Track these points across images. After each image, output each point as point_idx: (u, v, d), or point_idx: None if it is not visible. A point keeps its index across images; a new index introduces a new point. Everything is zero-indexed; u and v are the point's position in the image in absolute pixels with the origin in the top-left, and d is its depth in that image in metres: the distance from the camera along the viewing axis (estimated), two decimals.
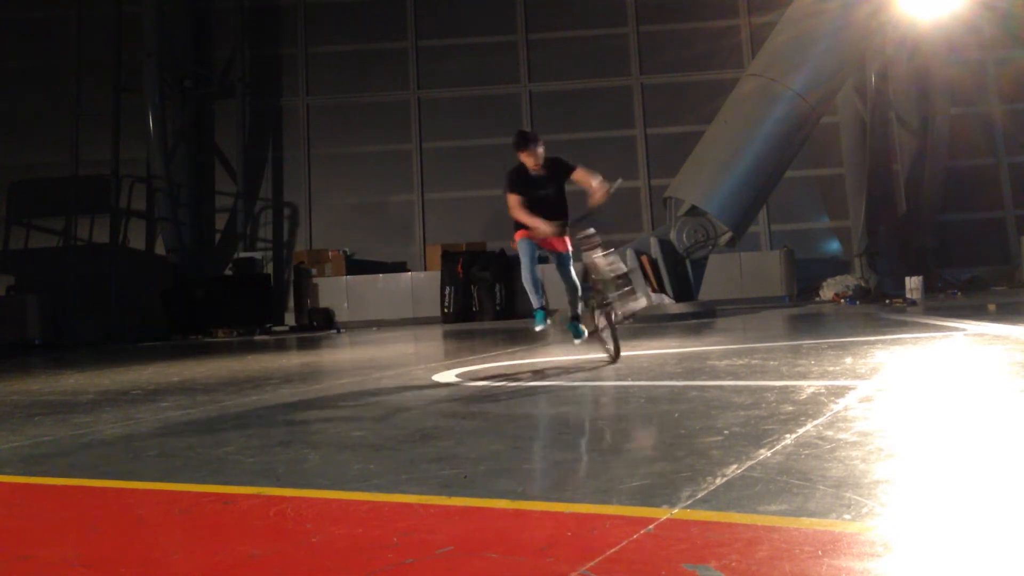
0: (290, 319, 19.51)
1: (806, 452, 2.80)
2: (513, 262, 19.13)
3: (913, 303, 14.16)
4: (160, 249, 20.98)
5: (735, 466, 2.64)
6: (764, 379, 4.91)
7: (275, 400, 5.34)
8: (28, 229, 21.28)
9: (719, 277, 16.98)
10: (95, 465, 3.45)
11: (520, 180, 6.40)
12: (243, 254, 20.92)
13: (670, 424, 3.54)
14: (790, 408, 3.70)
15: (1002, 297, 14.80)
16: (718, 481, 2.47)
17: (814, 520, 2.05)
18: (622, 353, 6.49)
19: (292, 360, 9.73)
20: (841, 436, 3.02)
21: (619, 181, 6.63)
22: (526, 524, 2.24)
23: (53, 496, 3.00)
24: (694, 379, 5.19)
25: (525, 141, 6.38)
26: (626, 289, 6.29)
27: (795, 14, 14.49)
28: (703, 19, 21.51)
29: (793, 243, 20.06)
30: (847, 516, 2.07)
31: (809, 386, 4.38)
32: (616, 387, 5.13)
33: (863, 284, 17.97)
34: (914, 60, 18.56)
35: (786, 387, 4.43)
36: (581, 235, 6.35)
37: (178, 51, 21.42)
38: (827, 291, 18.41)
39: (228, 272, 20.09)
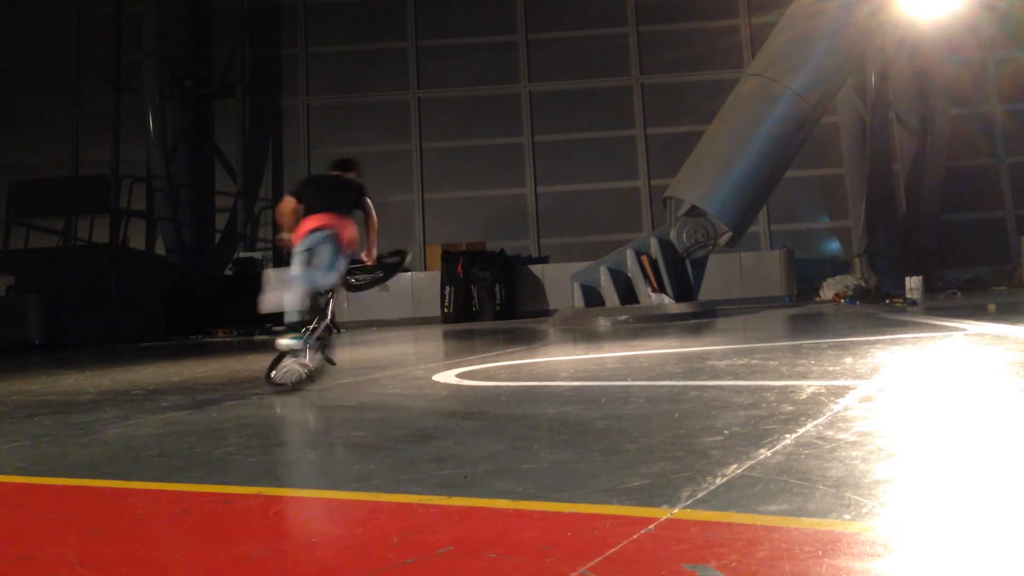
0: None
1: (806, 452, 2.80)
2: (514, 262, 19.27)
3: (913, 303, 14.17)
4: (160, 249, 20.99)
5: (735, 466, 2.64)
6: (764, 379, 4.91)
7: (275, 400, 5.34)
8: (28, 229, 21.30)
9: (719, 277, 17.00)
10: (95, 465, 3.44)
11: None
12: (243, 254, 20.92)
13: (670, 424, 3.54)
14: (790, 408, 3.70)
15: (1002, 297, 14.79)
16: (718, 481, 2.47)
17: (814, 520, 2.05)
18: (617, 354, 6.47)
19: None
20: (841, 436, 3.02)
21: (408, 257, 6.42)
22: (526, 524, 2.24)
23: (53, 496, 3.00)
24: (694, 379, 5.19)
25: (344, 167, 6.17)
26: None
27: (795, 14, 14.50)
28: (703, 19, 21.54)
29: (793, 243, 20.07)
30: (847, 516, 2.07)
31: (809, 386, 4.38)
32: (616, 387, 5.13)
33: (863, 284, 17.98)
34: (914, 60, 18.57)
35: (786, 387, 4.43)
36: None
37: (178, 51, 21.45)
38: (827, 291, 18.42)
39: (228, 272, 20.08)
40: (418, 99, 22.24)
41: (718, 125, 14.61)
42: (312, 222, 5.69)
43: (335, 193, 5.95)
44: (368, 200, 6.01)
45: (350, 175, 6.19)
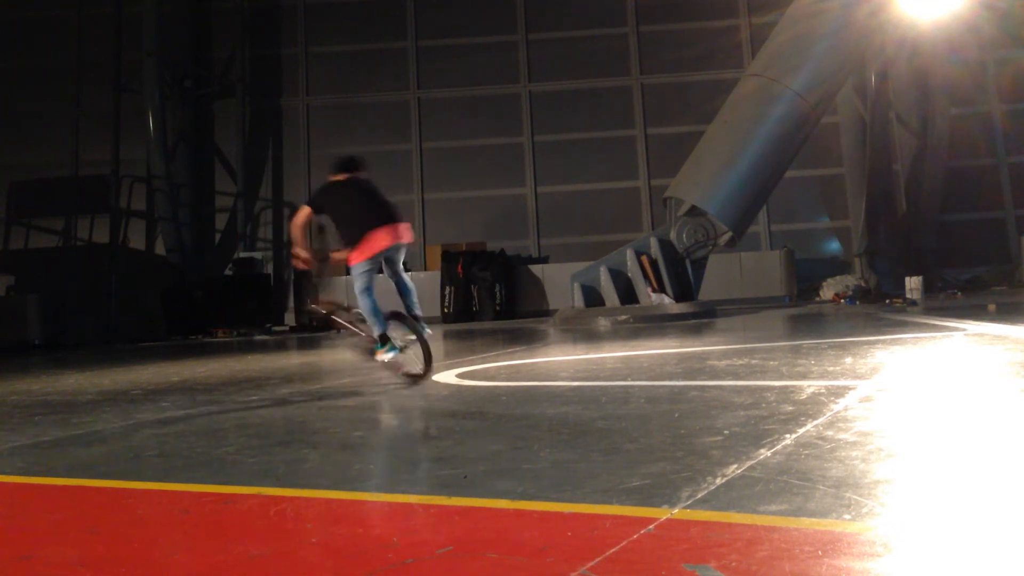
0: (290, 319, 19.51)
1: (806, 452, 2.80)
2: (515, 262, 19.26)
3: (913, 303, 14.16)
4: (160, 249, 20.98)
5: (735, 466, 2.64)
6: (764, 379, 4.91)
7: (275, 400, 5.34)
8: (28, 229, 21.29)
9: (719, 277, 16.99)
10: (95, 465, 3.45)
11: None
12: (243, 254, 20.92)
13: (670, 424, 3.54)
14: (790, 408, 3.70)
15: (1002, 297, 14.79)
16: (718, 481, 2.47)
17: (814, 520, 2.05)
18: (617, 354, 6.46)
19: (292, 360, 9.73)
20: (841, 436, 3.02)
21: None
22: (526, 524, 2.24)
23: (53, 496, 3.00)
24: (694, 379, 5.20)
25: (354, 166, 5.93)
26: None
27: (795, 14, 14.49)
28: (703, 19, 21.53)
29: (793, 243, 20.07)
30: (847, 516, 2.07)
31: (809, 386, 4.39)
32: (616, 387, 5.13)
33: (863, 284, 17.97)
34: (914, 60, 18.56)
35: (786, 387, 4.43)
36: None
37: (178, 51, 21.44)
38: (827, 291, 18.42)
39: (228, 272, 20.08)
40: (418, 99, 22.24)
41: (718, 125, 14.61)
42: (387, 238, 5.62)
43: (383, 200, 5.83)
44: None
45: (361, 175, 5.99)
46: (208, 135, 22.32)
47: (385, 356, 5.62)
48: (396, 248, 5.71)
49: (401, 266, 5.85)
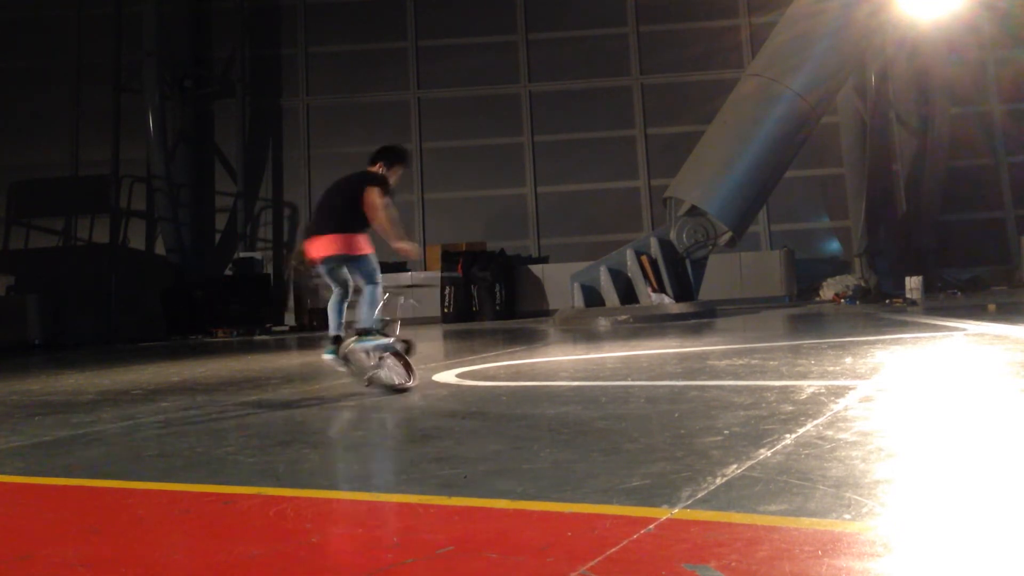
0: (290, 319, 19.51)
1: (806, 452, 2.80)
2: (514, 262, 19.27)
3: (913, 303, 14.16)
4: (160, 249, 20.98)
5: (735, 466, 2.64)
6: (764, 379, 4.91)
7: (275, 400, 5.34)
8: (28, 229, 21.30)
9: (719, 277, 16.98)
10: (95, 465, 3.45)
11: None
12: (243, 254, 20.92)
13: (670, 424, 3.54)
14: (790, 408, 3.70)
15: (1002, 297, 14.79)
16: (718, 481, 2.47)
17: (814, 520, 2.05)
18: (617, 354, 6.46)
19: (292, 360, 9.73)
20: (841, 436, 3.02)
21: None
22: (526, 524, 2.24)
23: (53, 496, 3.00)
24: (694, 379, 5.20)
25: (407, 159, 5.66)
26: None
27: (795, 14, 14.49)
28: (703, 19, 21.53)
29: (793, 243, 20.07)
30: (847, 516, 2.07)
31: (809, 386, 4.39)
32: (616, 387, 5.13)
33: (863, 284, 17.98)
34: (914, 60, 18.56)
35: (786, 387, 4.43)
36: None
37: (178, 51, 21.45)
38: (827, 291, 18.42)
39: (228, 272, 20.08)
40: (418, 99, 22.23)
41: (718, 125, 14.61)
42: (314, 250, 5.27)
43: (331, 207, 5.38)
44: (370, 194, 5.22)
45: (372, 168, 5.51)
46: (208, 135, 22.32)
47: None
48: (328, 261, 5.27)
49: (360, 279, 5.37)
